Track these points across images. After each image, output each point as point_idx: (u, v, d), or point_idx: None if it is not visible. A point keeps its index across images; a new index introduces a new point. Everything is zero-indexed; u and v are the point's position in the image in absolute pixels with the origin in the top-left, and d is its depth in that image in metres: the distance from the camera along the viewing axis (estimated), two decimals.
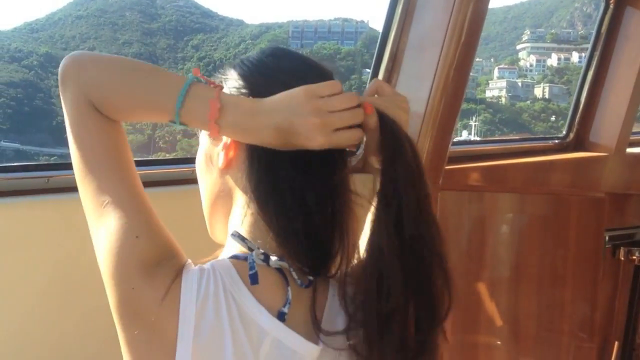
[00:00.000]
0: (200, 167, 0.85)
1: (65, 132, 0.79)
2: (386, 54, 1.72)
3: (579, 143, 2.33)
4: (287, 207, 0.75)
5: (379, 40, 1.75)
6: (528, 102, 20.55)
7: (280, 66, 0.80)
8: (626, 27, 2.23)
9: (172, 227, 0.79)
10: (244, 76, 0.79)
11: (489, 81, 21.94)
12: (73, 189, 1.24)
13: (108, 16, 20.06)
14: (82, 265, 1.27)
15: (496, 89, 21.35)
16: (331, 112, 0.71)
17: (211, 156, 0.82)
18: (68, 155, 0.79)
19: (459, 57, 1.58)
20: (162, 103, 0.73)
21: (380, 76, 1.73)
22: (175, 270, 0.72)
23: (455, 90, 1.63)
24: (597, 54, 2.30)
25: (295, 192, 0.75)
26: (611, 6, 2.24)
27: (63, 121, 0.79)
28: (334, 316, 0.77)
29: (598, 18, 2.29)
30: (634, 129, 2.33)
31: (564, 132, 2.38)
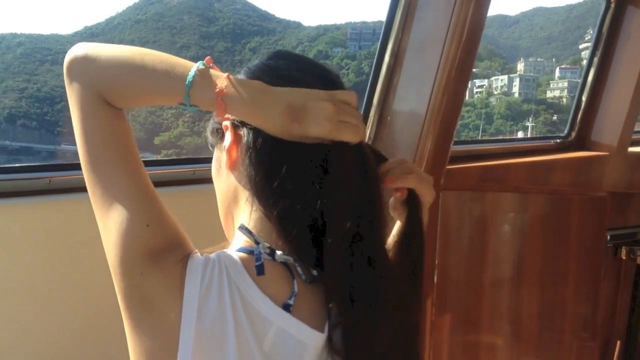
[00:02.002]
0: (214, 174, 0.88)
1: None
2: (387, 53, 1.72)
3: (581, 142, 2.33)
4: (285, 203, 0.76)
5: (380, 40, 1.74)
6: None
7: (281, 66, 0.82)
8: (627, 26, 2.23)
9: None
10: (249, 78, 0.81)
11: (550, 81, 21.42)
12: (75, 189, 1.25)
13: (166, 20, 20.04)
14: (83, 266, 1.27)
15: (557, 89, 20.87)
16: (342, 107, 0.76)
17: (220, 161, 0.85)
18: (77, 156, 0.79)
19: (460, 56, 1.58)
20: (172, 85, 0.74)
21: (382, 76, 1.72)
22: (182, 257, 0.74)
23: (456, 90, 1.63)
24: (598, 53, 2.30)
25: (292, 188, 0.76)
26: (612, 5, 2.24)
27: None
28: None
29: (599, 18, 2.29)
30: (636, 128, 2.32)
31: (566, 132, 2.38)
